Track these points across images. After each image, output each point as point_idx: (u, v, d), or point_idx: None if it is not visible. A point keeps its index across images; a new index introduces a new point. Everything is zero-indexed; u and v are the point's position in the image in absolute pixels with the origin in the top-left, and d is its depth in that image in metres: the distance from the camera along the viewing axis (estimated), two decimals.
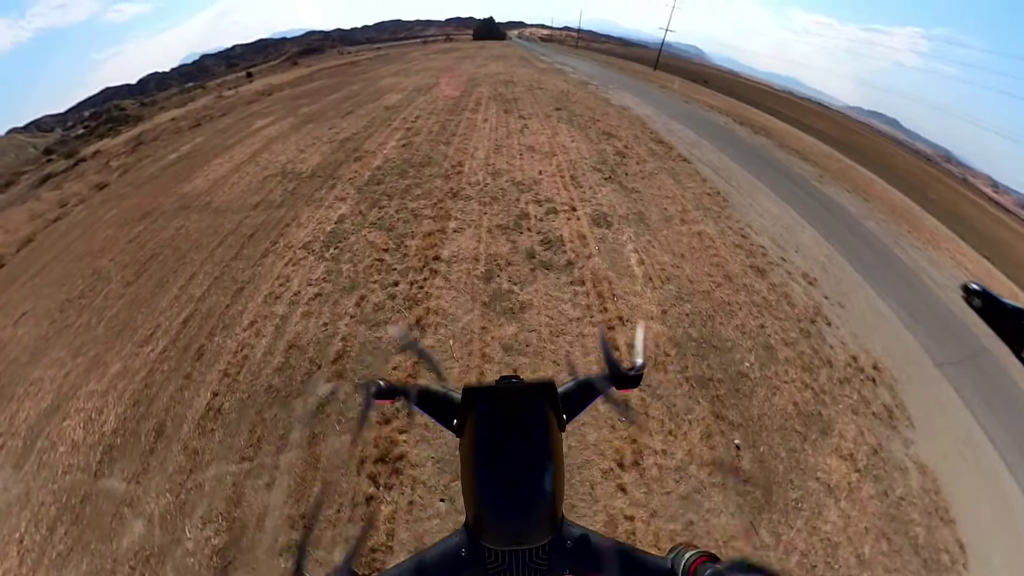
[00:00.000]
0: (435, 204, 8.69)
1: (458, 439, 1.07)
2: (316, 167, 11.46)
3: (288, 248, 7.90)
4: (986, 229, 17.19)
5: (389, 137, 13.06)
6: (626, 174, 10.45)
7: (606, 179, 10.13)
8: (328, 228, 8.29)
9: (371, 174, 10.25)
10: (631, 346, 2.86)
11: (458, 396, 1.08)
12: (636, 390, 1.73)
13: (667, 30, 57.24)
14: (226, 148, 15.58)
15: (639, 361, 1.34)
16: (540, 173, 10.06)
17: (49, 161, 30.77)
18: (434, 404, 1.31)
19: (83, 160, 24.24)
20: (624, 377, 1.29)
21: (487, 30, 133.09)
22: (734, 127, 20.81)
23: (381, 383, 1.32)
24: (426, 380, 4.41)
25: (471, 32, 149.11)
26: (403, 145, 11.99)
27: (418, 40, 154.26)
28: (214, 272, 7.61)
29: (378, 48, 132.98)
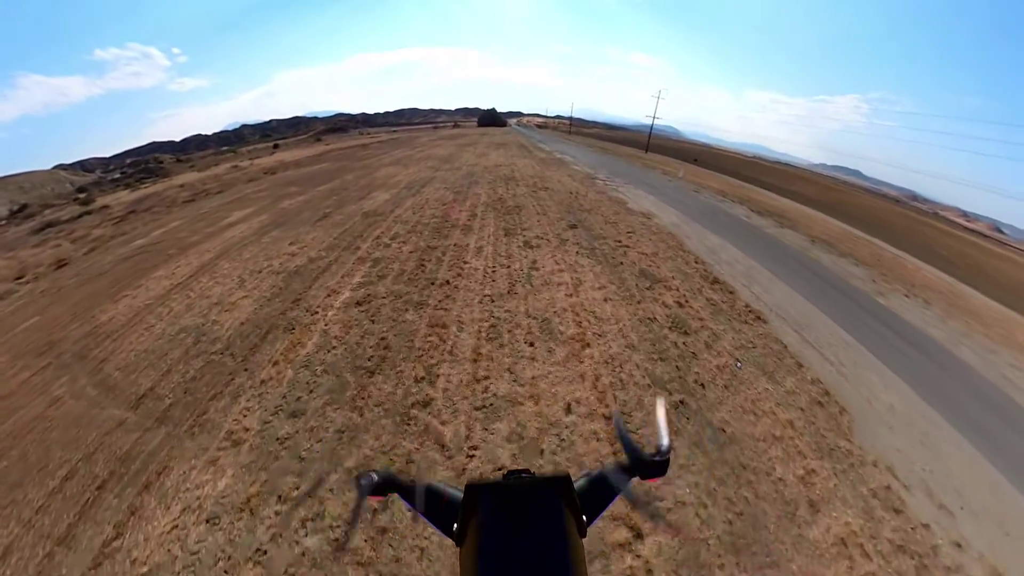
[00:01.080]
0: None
1: (458, 548, 0.86)
2: (236, 332, 7.06)
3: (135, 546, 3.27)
4: None
5: (347, 279, 8.67)
6: (701, 383, 5.86)
7: (677, 407, 5.50)
8: (191, 539, 3.61)
9: (291, 378, 5.72)
10: (653, 427, 1.66)
11: (459, 495, 0.92)
12: (662, 479, 1.32)
13: (654, 117, 57.12)
14: (182, 249, 12.17)
15: (664, 443, 1.06)
16: (568, 409, 5.33)
17: (75, 200, 30.71)
18: (433, 504, 1.00)
19: (89, 213, 22.92)
20: (648, 464, 1.04)
21: (490, 118, 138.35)
22: (758, 222, 17.39)
23: (374, 475, 1.04)
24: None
25: (476, 120, 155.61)
26: (357, 304, 7.45)
27: (430, 125, 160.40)
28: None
29: (394, 131, 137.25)
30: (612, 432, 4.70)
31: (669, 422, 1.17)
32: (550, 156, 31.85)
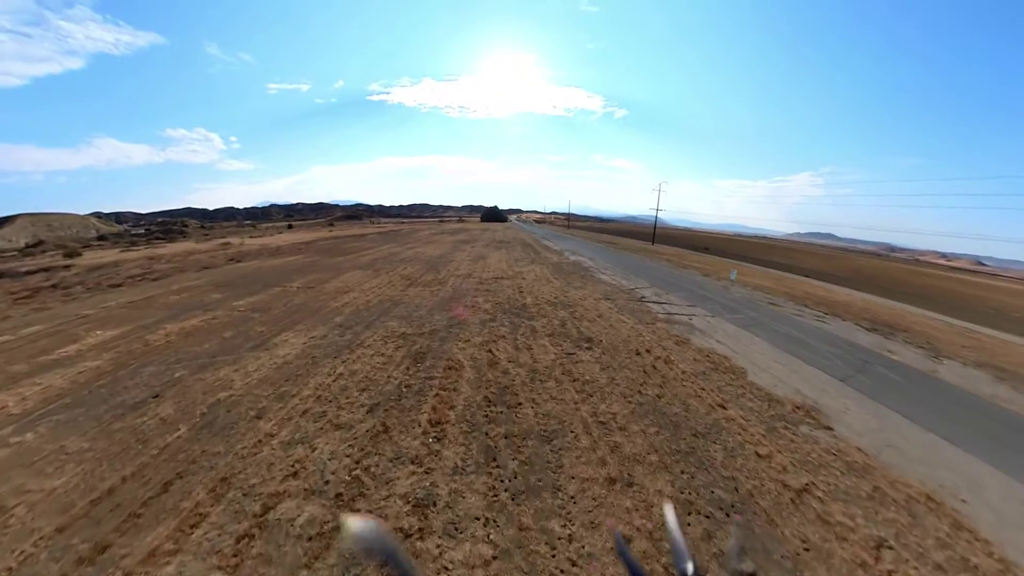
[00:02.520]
0: None
1: None
2: None
3: None
4: None
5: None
6: None
7: None
8: None
9: None
10: (670, 544, 0.98)
11: None
12: None
13: (657, 209, 52.02)
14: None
15: (689, 568, 0.81)
16: None
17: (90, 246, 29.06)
18: None
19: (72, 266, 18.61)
20: None
21: (492, 214, 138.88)
22: (855, 333, 8.45)
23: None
24: None
25: (480, 215, 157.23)
26: None
27: (437, 219, 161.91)
28: None
29: (402, 222, 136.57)
30: None
31: (684, 535, 0.87)
32: (563, 259, 24.33)
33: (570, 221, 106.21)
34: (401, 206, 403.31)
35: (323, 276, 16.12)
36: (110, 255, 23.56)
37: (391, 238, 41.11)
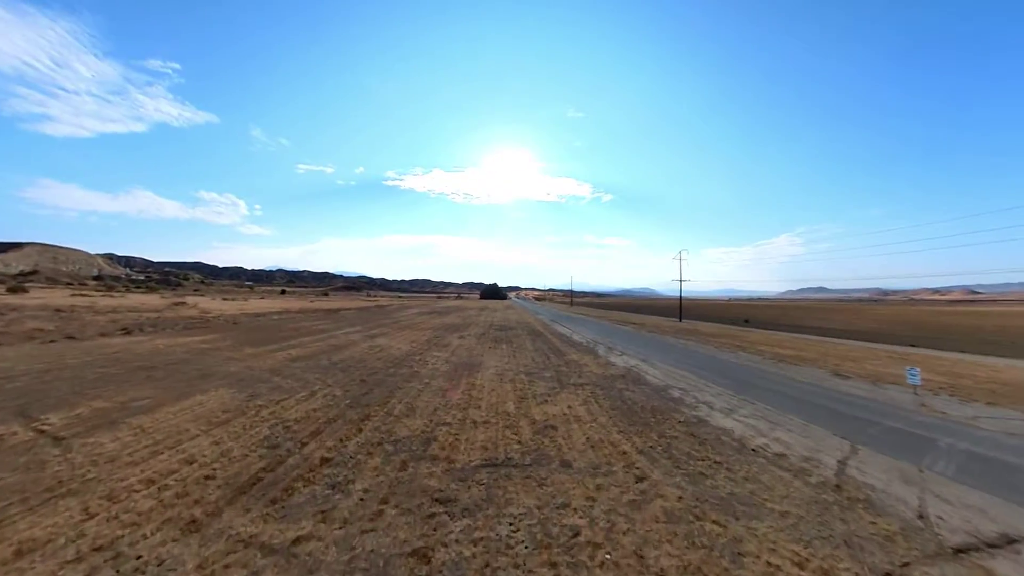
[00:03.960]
0: None
1: None
2: None
3: None
4: None
5: None
6: None
7: None
8: None
9: None
10: None
11: None
12: None
13: (681, 280, 43.95)
14: None
15: None
16: None
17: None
18: None
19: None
20: None
21: (492, 292, 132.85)
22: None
23: None
24: None
25: (479, 292, 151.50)
26: None
27: (434, 295, 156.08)
28: None
29: (399, 296, 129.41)
30: None
31: None
32: (605, 363, 15.06)
33: (572, 298, 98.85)
34: (403, 280, 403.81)
35: (147, 397, 6.63)
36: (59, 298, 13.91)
37: (371, 317, 32.20)
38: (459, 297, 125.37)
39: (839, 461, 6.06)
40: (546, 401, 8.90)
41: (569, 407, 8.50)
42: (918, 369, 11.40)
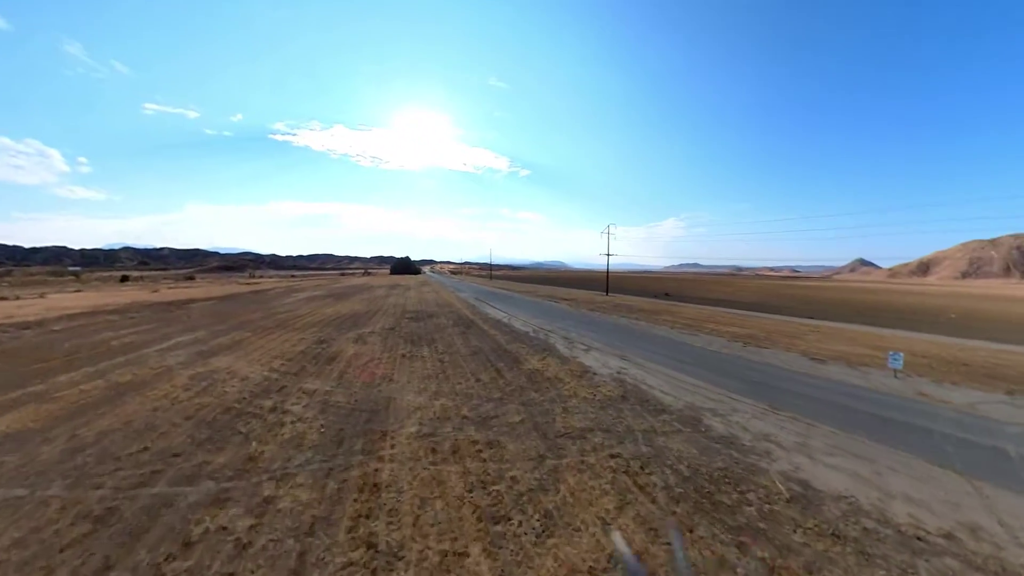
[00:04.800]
0: None
1: None
2: None
3: None
4: None
5: None
6: None
7: None
8: None
9: None
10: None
11: None
12: None
13: (608, 254, 42.75)
14: None
15: None
16: None
17: None
18: None
19: None
20: None
21: (404, 266, 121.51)
22: None
23: None
24: None
25: (390, 268, 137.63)
26: None
27: (337, 272, 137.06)
28: None
29: (293, 276, 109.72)
30: None
31: (685, 554, 0.59)
32: (559, 357, 10.99)
33: (485, 270, 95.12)
34: (300, 257, 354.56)
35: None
36: None
37: (227, 313, 23.41)
38: (367, 273, 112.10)
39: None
40: (550, 523, 4.13)
41: (604, 527, 3.89)
42: (901, 354, 11.19)
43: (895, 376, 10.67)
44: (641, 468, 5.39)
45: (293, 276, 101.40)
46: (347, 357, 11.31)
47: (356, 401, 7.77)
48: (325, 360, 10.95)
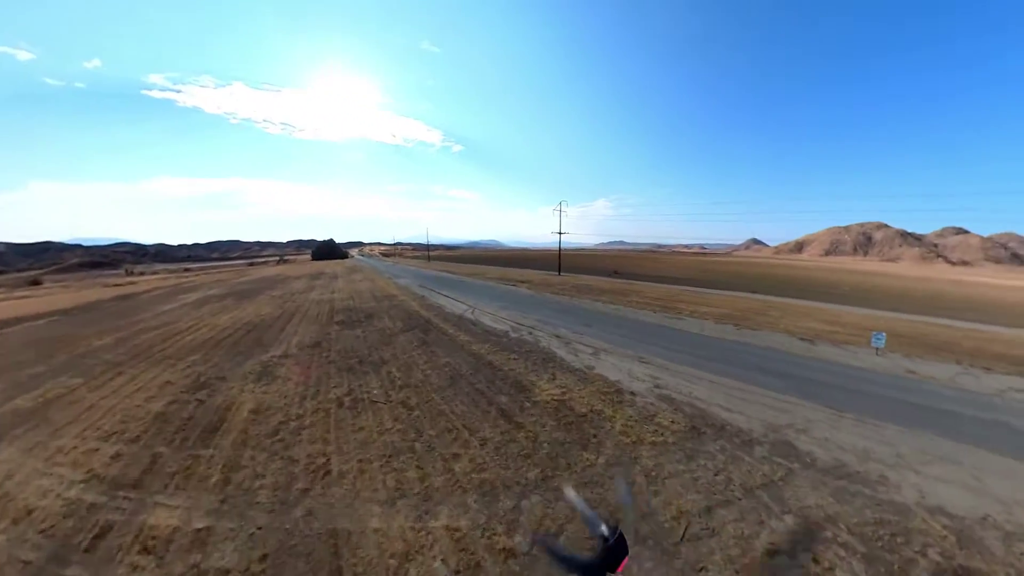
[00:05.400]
0: None
1: None
2: None
3: None
4: None
5: None
6: None
7: None
8: None
9: None
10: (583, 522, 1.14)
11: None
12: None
13: (560, 232, 40.85)
14: None
15: (601, 528, 0.94)
16: None
17: None
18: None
19: None
20: (601, 563, 0.84)
21: (328, 250, 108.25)
22: None
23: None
24: None
25: (311, 252, 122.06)
26: None
27: (244, 262, 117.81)
28: None
29: (185, 270, 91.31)
30: None
31: (592, 507, 0.85)
32: (581, 375, 8.11)
33: (418, 251, 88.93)
34: (196, 245, 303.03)
35: None
36: None
37: (55, 343, 16.68)
38: (283, 261, 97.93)
39: None
40: None
41: None
42: (883, 334, 12.13)
43: (877, 354, 11.56)
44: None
45: (187, 270, 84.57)
46: (241, 420, 7.01)
47: (262, 570, 3.88)
48: (200, 433, 6.56)
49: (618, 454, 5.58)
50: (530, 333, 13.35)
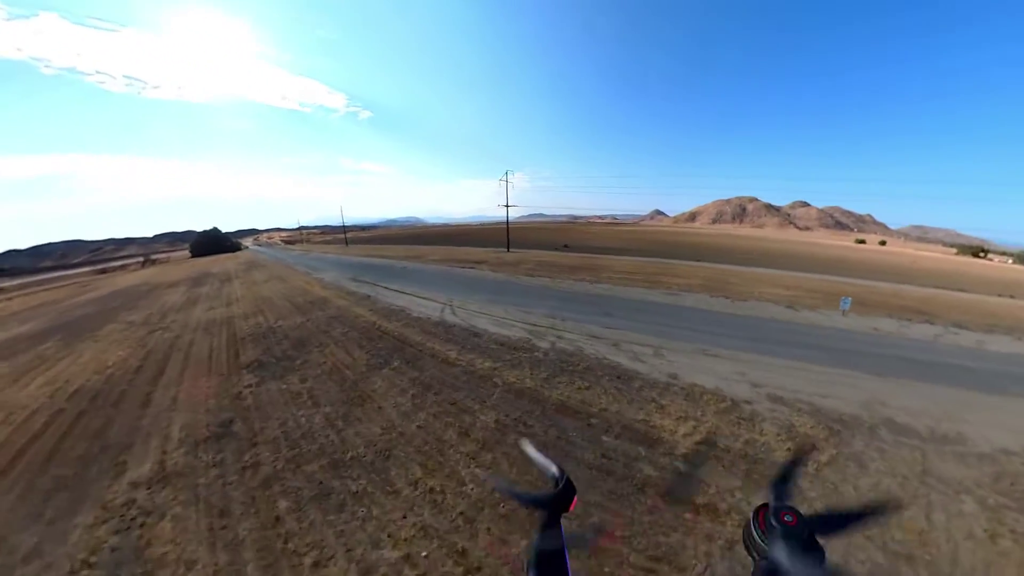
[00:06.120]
0: None
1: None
2: None
3: None
4: None
5: None
6: None
7: None
8: None
9: None
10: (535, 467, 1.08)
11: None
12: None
13: (508, 205, 37.35)
14: None
15: (553, 470, 0.99)
16: None
17: None
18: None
19: None
20: (554, 499, 0.91)
21: (210, 242, 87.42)
22: None
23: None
24: None
25: (189, 247, 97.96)
26: None
27: (92, 270, 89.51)
28: None
29: None
30: None
31: (544, 454, 1.00)
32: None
33: (347, 235, 77.79)
34: (13, 253, 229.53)
35: None
36: None
37: None
38: (149, 263, 77.39)
39: None
40: None
41: None
42: (850, 298, 14.22)
43: (843, 315, 13.36)
44: None
45: None
46: None
47: None
48: None
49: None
50: (559, 337, 9.67)
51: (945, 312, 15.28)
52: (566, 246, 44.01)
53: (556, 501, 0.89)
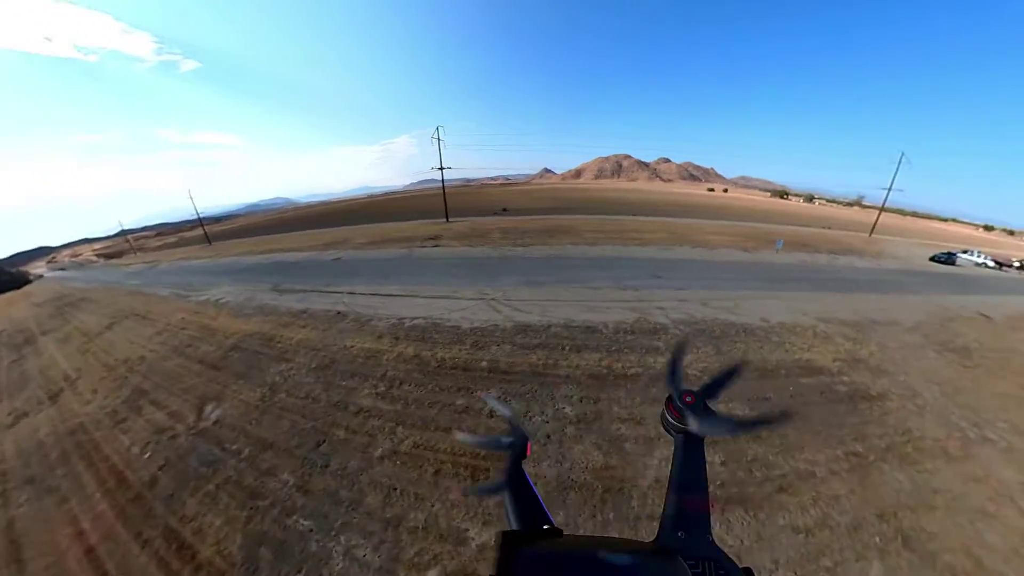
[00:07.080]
0: None
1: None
2: None
3: None
4: None
5: None
6: None
7: None
8: None
9: None
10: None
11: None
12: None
13: (442, 168, 31.74)
14: None
15: (510, 416, 1.08)
16: None
17: None
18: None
19: None
20: (512, 444, 0.98)
21: None
22: None
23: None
24: None
25: None
26: None
27: None
28: None
29: None
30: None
31: (503, 404, 1.10)
32: None
33: (205, 229, 59.81)
34: None
35: None
36: None
37: None
38: None
39: None
40: None
41: None
42: (782, 240, 18.12)
43: (776, 252, 16.22)
44: None
45: None
46: None
47: None
48: None
49: None
50: (660, 308, 9.01)
51: (821, 244, 19.97)
52: (504, 210, 39.92)
53: (514, 446, 0.96)
